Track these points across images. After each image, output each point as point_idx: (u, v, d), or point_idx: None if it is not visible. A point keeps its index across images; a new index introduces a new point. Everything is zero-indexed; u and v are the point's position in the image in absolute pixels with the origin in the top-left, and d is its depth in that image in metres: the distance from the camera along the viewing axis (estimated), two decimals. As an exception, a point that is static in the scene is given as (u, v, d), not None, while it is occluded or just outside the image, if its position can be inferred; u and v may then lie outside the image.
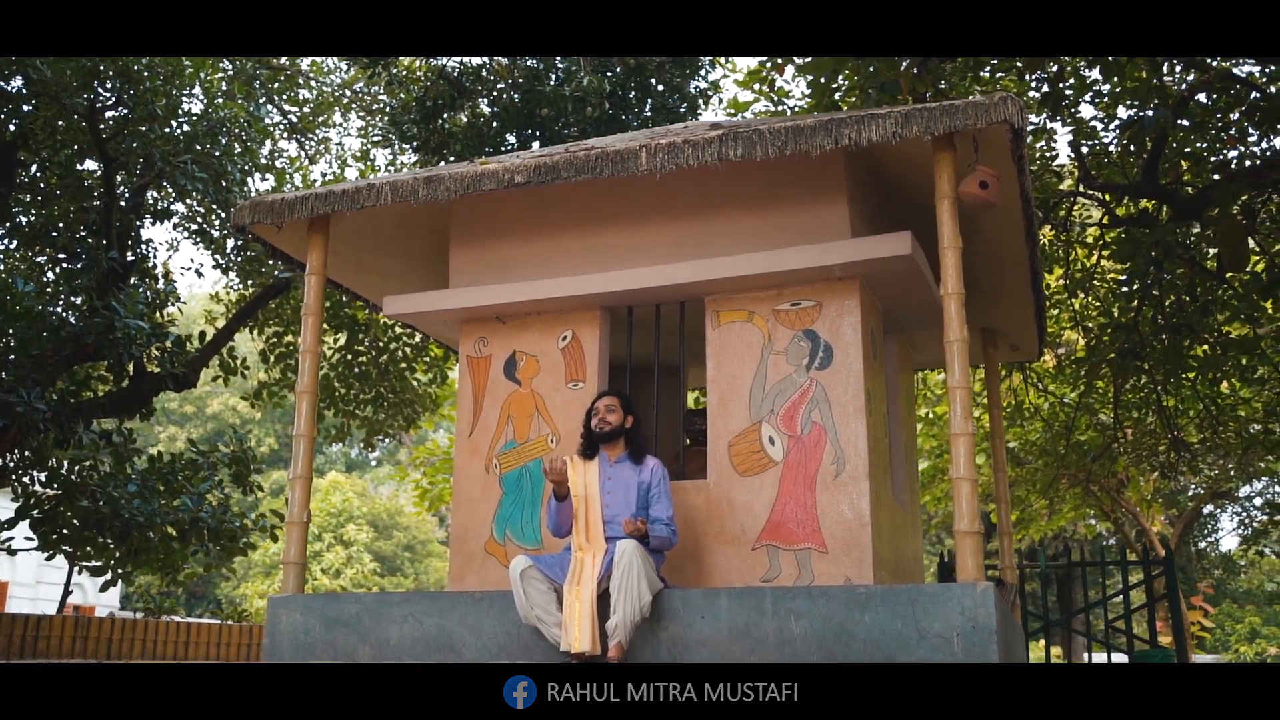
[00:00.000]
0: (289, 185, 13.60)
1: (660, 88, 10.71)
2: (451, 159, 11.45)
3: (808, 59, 8.78)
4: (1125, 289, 9.12)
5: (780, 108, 11.18)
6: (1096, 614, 8.94)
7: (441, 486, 16.09)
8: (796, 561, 5.69)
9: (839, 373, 5.86)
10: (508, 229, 6.70)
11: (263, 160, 13.88)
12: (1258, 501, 31.62)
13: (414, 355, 13.80)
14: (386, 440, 14.89)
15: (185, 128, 11.94)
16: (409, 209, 6.54)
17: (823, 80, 8.47)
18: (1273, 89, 9.19)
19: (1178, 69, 9.23)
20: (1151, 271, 7.37)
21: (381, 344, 13.64)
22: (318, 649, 5.69)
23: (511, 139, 11.14)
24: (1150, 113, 7.68)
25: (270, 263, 12.77)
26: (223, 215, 13.13)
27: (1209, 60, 8.42)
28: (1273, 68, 9.38)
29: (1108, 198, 9.45)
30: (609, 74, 10.47)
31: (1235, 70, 9.08)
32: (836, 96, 9.48)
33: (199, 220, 13.77)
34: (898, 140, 5.20)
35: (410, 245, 7.28)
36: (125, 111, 11.44)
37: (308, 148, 16.48)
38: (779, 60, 9.95)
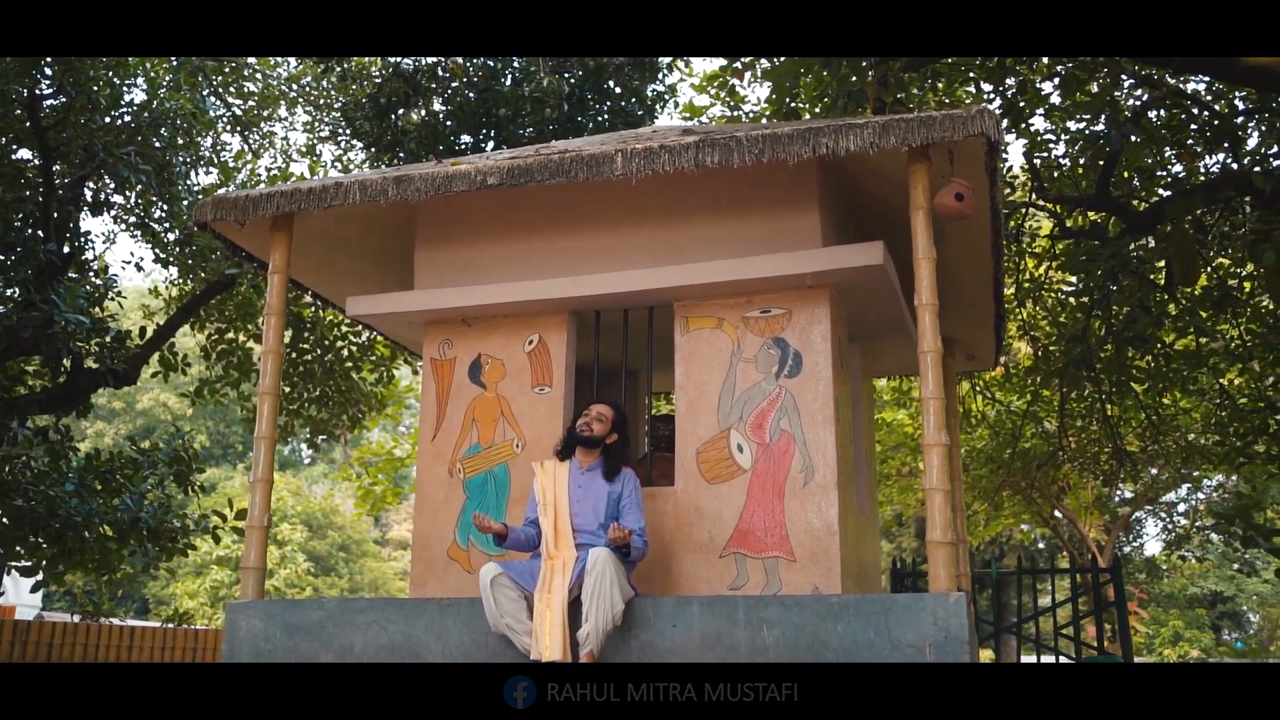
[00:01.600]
0: (235, 180, 13.33)
1: (618, 90, 10.67)
2: (404, 157, 11.31)
3: (770, 64, 8.80)
4: (1076, 300, 9.26)
5: (737, 113, 11.21)
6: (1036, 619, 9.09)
7: (384, 487, 15.90)
8: (764, 569, 5.68)
9: (808, 381, 5.86)
10: (475, 230, 6.62)
11: (205, 154, 13.61)
12: (1181, 508, 32.48)
13: (360, 354, 13.59)
14: (327, 440, 14.66)
15: (127, 118, 11.65)
16: (374, 208, 6.43)
17: (787, 85, 8.47)
18: (1217, 106, 9.41)
19: (1127, 85, 9.41)
20: (1105, 284, 7.48)
21: (327, 342, 13.42)
22: (278, 656, 5.57)
23: (467, 138, 11.03)
24: (1103, 127, 7.81)
25: (215, 257, 12.51)
26: (165, 208, 12.84)
27: (1165, 77, 8.59)
28: (1220, 86, 9.60)
29: (1059, 209, 9.58)
30: (567, 75, 10.41)
31: (1185, 87, 9.28)
32: (796, 104, 9.50)
33: (139, 213, 13.44)
34: (875, 150, 5.21)
35: (373, 245, 7.16)
36: (66, 100, 11.14)
37: (251, 142, 16.19)
38: (738, 65, 9.96)
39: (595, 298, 6.29)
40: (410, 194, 5.79)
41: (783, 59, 8.71)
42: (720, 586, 5.70)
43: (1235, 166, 8.74)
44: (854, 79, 7.54)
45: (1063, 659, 8.51)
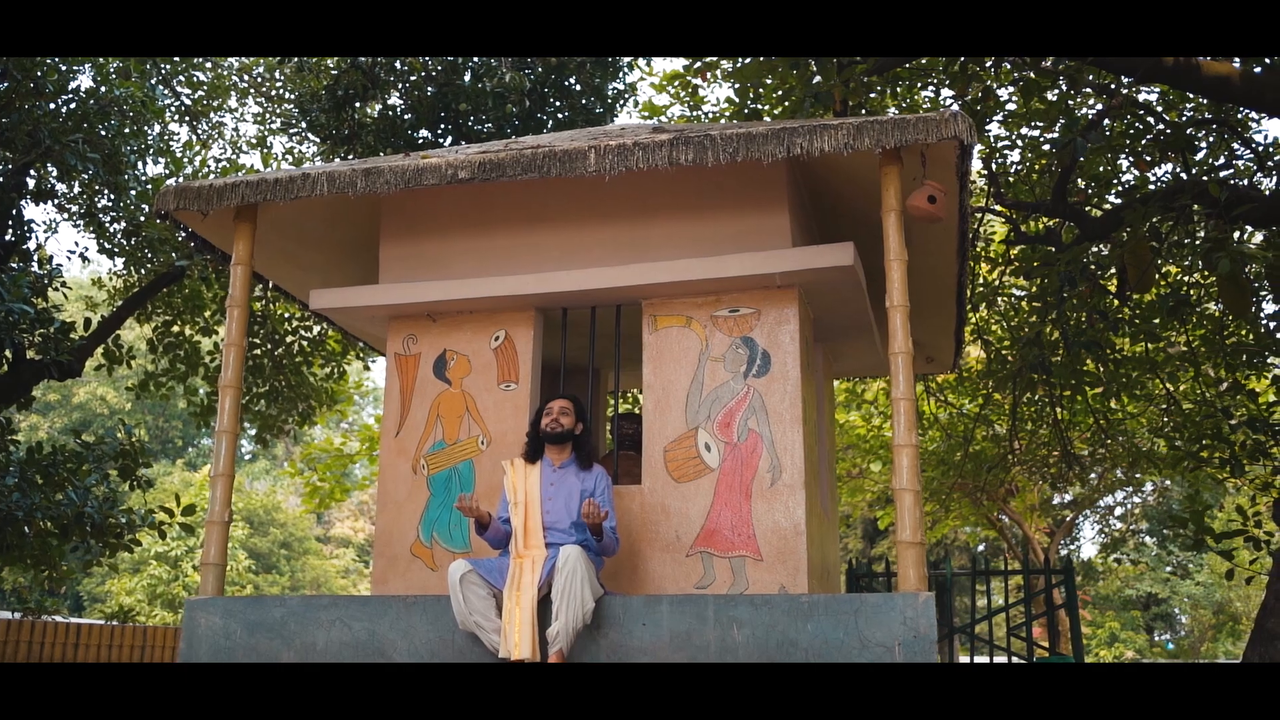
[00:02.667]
0: (184, 171, 13.09)
1: (578, 88, 10.63)
2: (361, 150, 11.18)
3: (735, 64, 8.81)
4: (1029, 305, 9.37)
5: (697, 113, 11.22)
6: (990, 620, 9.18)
7: (332, 484, 15.72)
8: (731, 569, 5.68)
9: (776, 381, 5.87)
10: (441, 225, 6.56)
11: (152, 143, 13.34)
12: (1118, 512, 33.09)
13: (311, 349, 13.42)
14: (276, 435, 14.45)
15: (74, 105, 11.40)
16: (338, 201, 6.36)
17: (750, 86, 8.49)
18: (1168, 116, 9.59)
19: (1082, 94, 9.55)
20: (1063, 288, 7.58)
21: (278, 337, 13.24)
22: (238, 654, 5.47)
23: (425, 133, 10.92)
24: (1060, 134, 7.92)
25: (164, 249, 12.29)
26: (114, 198, 12.59)
27: (1120, 87, 8.72)
28: (1172, 96, 9.78)
29: (1014, 215, 9.70)
30: (528, 71, 10.35)
31: (1139, 97, 9.44)
32: (758, 105, 9.53)
33: (83, 202, 13.15)
34: (850, 152, 5.23)
35: (337, 238, 7.06)
36: (9, 85, 10.88)
37: (200, 132, 15.91)
38: (699, 65, 9.97)
39: (563, 295, 6.25)
40: (380, 186, 5.72)
41: (748, 60, 8.73)
42: (687, 585, 5.69)
43: (1184, 176, 8.91)
44: (819, 80, 7.57)
45: (1015, 660, 8.61)
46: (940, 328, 7.94)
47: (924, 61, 9.16)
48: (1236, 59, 7.09)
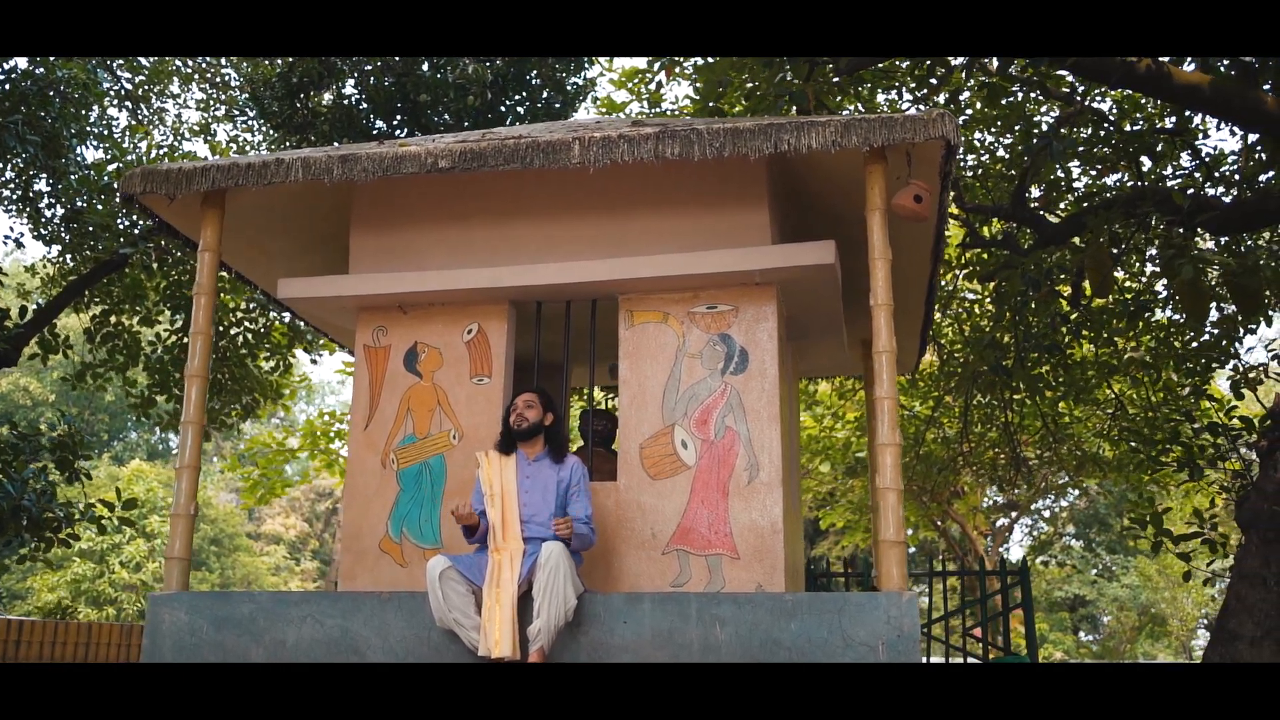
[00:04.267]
0: (129, 158, 12.75)
1: (537, 82, 10.53)
2: (314, 140, 10.97)
3: (699, 63, 8.78)
4: (982, 309, 9.47)
5: (656, 110, 11.18)
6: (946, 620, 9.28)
7: (274, 479, 15.43)
8: (708, 567, 5.64)
9: (754, 378, 5.85)
10: (413, 215, 6.44)
11: (91, 128, 12.98)
12: (1046, 514, 33.73)
13: (256, 341, 13.15)
14: (219, 429, 14.13)
15: (7, 86, 11.05)
16: (307, 189, 6.21)
17: (718, 85, 8.46)
18: (1122, 125, 9.74)
19: (1037, 99, 9.67)
20: (1026, 291, 7.66)
21: (222, 328, 12.94)
22: (205, 651, 5.32)
23: (381, 124, 10.75)
24: (1031, 139, 8.00)
25: (104, 235, 11.95)
26: (52, 182, 12.23)
27: (1077, 94, 8.84)
28: (1126, 104, 9.94)
29: (972, 218, 9.80)
30: (487, 63, 10.21)
31: (1095, 104, 9.57)
32: (721, 104, 9.51)
33: (16, 185, 12.74)
34: (836, 149, 5.22)
35: (303, 226, 6.91)
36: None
37: (141, 117, 15.51)
38: (663, 63, 9.93)
39: (537, 288, 6.17)
40: (357, 174, 5.60)
41: (714, 58, 8.70)
42: (662, 583, 5.64)
43: (1142, 183, 9.05)
44: (790, 79, 7.57)
45: (971, 660, 8.70)
46: (906, 329, 7.97)
47: (882, 65, 9.20)
48: (1199, 66, 7.22)
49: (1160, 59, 6.90)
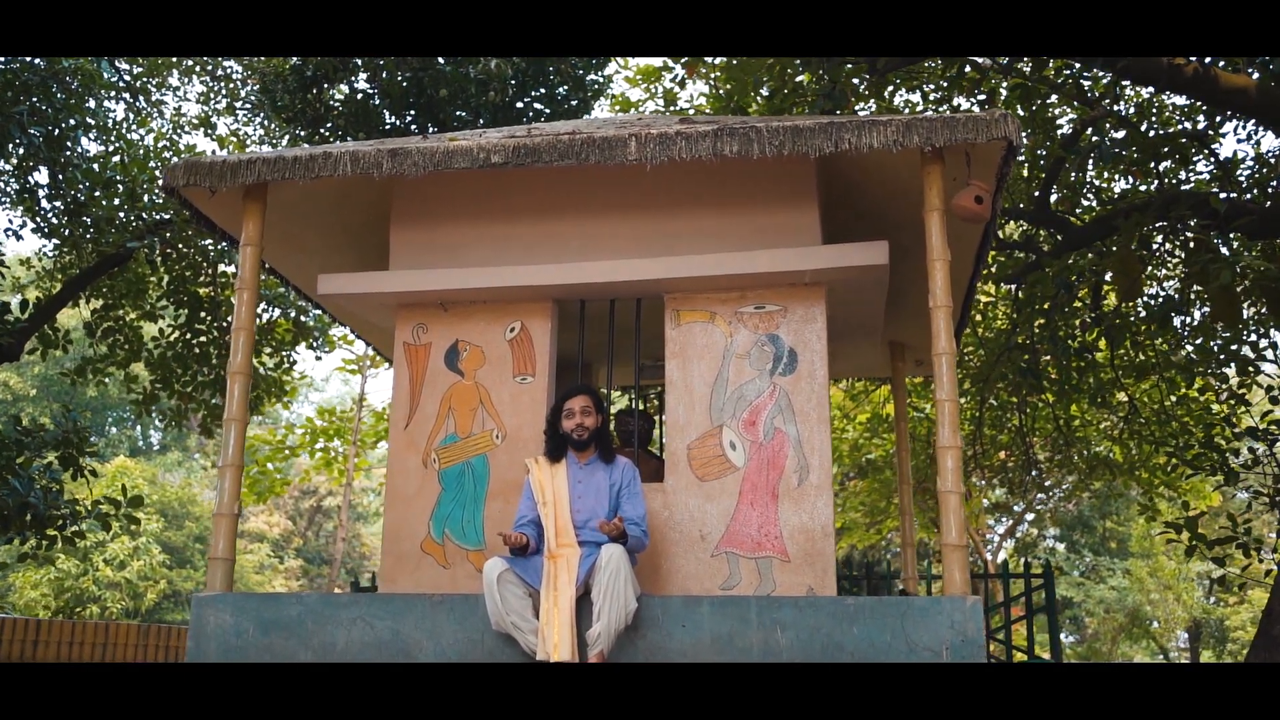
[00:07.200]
0: (136, 150, 12.58)
1: (554, 78, 10.44)
2: (327, 134, 10.84)
3: (725, 62, 8.73)
4: (1009, 311, 9.44)
5: (673, 109, 11.12)
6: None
7: (274, 478, 15.26)
8: (758, 569, 5.58)
9: (803, 380, 5.79)
10: (454, 212, 6.34)
11: (91, 120, 12.80)
12: (1030, 516, 33.82)
13: (260, 337, 12.99)
14: (220, 425, 13.95)
15: (8, 75, 10.87)
16: (348, 183, 6.12)
17: (751, 83, 8.40)
18: (1143, 127, 9.73)
19: (1059, 101, 9.66)
20: (1059, 293, 7.63)
21: (225, 324, 12.79)
22: (251, 653, 5.21)
23: (395, 119, 10.62)
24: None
25: (109, 228, 11.78)
26: (52, 174, 12.05)
27: (1100, 99, 8.82)
28: (1145, 106, 9.93)
29: (999, 220, 9.77)
30: (511, 59, 10.11)
31: (1118, 108, 9.57)
32: (743, 102, 9.46)
33: (12, 177, 12.53)
34: (898, 149, 5.17)
35: (342, 222, 6.79)
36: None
37: (140, 110, 15.32)
38: (685, 61, 9.87)
39: (582, 286, 6.09)
40: (407, 168, 5.50)
41: (739, 58, 8.65)
42: (711, 586, 5.57)
43: (1162, 187, 9.04)
44: (826, 79, 7.51)
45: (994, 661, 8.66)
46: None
47: (918, 65, 9.16)
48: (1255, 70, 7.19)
49: (1206, 60, 6.87)
